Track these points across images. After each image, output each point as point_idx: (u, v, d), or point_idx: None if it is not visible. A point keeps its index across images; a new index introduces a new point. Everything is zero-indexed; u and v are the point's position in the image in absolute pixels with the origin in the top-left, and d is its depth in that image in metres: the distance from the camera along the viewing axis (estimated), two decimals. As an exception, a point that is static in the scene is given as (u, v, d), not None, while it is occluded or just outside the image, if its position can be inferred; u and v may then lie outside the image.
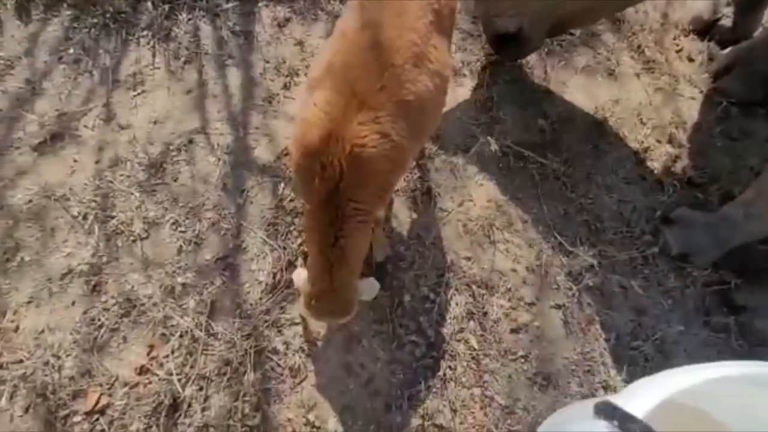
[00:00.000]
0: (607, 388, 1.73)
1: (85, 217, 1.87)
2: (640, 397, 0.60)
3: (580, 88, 2.28)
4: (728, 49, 2.25)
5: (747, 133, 2.17)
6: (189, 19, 2.32)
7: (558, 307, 1.84)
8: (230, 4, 2.37)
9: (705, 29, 2.36)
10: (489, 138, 2.10)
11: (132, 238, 1.85)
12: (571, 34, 2.38)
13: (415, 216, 1.97)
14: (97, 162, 1.99)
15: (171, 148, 2.03)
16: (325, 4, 2.39)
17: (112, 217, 1.88)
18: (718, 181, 2.04)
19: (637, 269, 1.90)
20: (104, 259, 1.81)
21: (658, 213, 1.98)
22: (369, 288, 1.40)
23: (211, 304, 1.75)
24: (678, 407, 0.63)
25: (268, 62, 2.25)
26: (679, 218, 1.91)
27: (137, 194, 1.92)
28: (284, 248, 1.85)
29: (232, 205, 1.94)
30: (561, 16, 1.91)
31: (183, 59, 2.23)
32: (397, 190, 1.99)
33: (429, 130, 1.34)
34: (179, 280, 1.78)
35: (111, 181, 1.94)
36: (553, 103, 2.23)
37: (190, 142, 2.06)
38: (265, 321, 1.73)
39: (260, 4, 2.37)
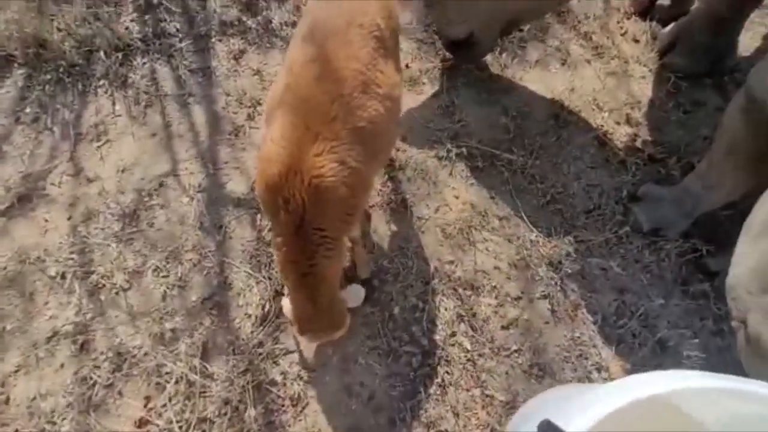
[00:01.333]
0: (600, 369, 1.78)
1: (63, 277, 1.85)
2: (591, 410, 0.60)
3: (536, 81, 2.35)
4: (669, 26, 2.35)
5: (698, 104, 2.27)
6: (144, 63, 2.32)
7: (544, 297, 1.89)
8: (184, 43, 2.38)
9: (645, 10, 2.47)
10: (455, 141, 2.16)
11: (114, 290, 1.84)
12: (521, 30, 2.45)
13: (394, 228, 2.00)
14: (69, 218, 1.97)
15: (143, 194, 2.03)
16: (278, 31, 2.42)
17: (92, 272, 1.86)
18: (677, 154, 2.13)
19: (613, 250, 1.97)
20: (89, 315, 1.79)
21: (624, 192, 2.05)
22: (354, 295, 1.45)
23: (202, 345, 1.74)
24: (654, 405, 0.65)
25: (229, 95, 2.27)
26: (645, 195, 1.98)
27: (114, 245, 1.91)
28: (269, 278, 1.86)
29: (211, 242, 1.94)
30: (508, 17, 1.98)
31: (144, 103, 2.23)
32: (373, 205, 2.02)
33: (386, 150, 1.38)
34: (167, 325, 1.77)
35: (86, 236, 1.93)
36: (512, 99, 2.30)
37: (162, 185, 2.05)
38: (260, 354, 1.73)
39: (214, 40, 2.38)
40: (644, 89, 2.33)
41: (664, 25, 2.41)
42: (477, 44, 2.06)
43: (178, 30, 2.41)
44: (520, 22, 2.13)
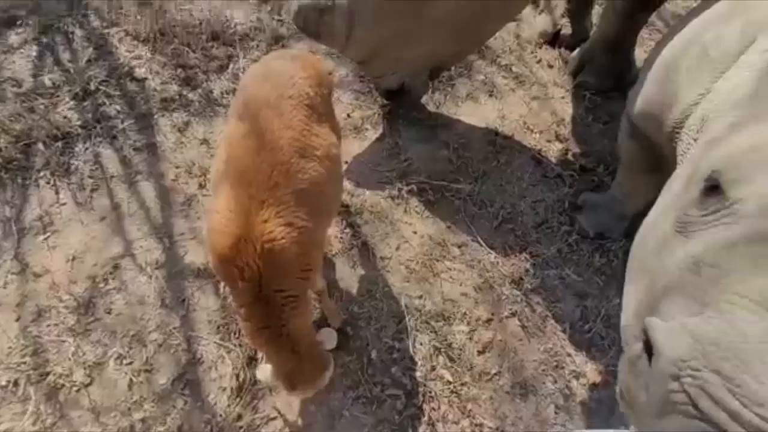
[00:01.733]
0: (578, 376, 1.83)
1: (16, 384, 1.72)
2: None
3: (469, 114, 2.53)
4: (575, 52, 2.63)
5: (613, 115, 2.52)
6: (87, 149, 2.31)
7: (512, 315, 1.95)
8: (126, 123, 2.40)
9: (552, 40, 2.76)
10: (405, 179, 2.26)
11: (75, 388, 1.73)
12: (449, 70, 2.66)
13: (359, 272, 2.03)
14: (18, 320, 1.86)
15: (97, 280, 1.96)
16: (220, 100, 2.50)
17: (48, 374, 1.75)
18: (604, 162, 2.33)
19: (566, 258, 2.09)
20: (48, 421, 1.67)
21: (566, 204, 2.20)
22: (328, 338, 1.46)
23: (177, 430, 1.66)
24: None
25: (178, 167, 2.28)
26: (584, 203, 2.14)
27: (71, 340, 1.81)
28: (240, 345, 1.82)
29: (176, 318, 1.89)
30: (432, 64, 2.16)
31: (89, 188, 2.20)
32: (335, 253, 2.06)
33: (332, 205, 1.45)
34: (137, 416, 1.68)
35: (38, 336, 1.82)
36: (451, 133, 2.45)
37: (116, 268, 2.00)
38: (240, 428, 1.66)
39: (156, 116, 2.42)
40: (566, 108, 2.57)
41: (571, 50, 2.70)
42: (410, 90, 2.22)
43: (118, 112, 2.43)
44: (445, 66, 2.33)
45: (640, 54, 2.63)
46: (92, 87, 2.47)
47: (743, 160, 0.93)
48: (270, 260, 1.09)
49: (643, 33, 2.60)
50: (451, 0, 1.76)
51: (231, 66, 2.59)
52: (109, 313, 1.89)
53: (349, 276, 2.01)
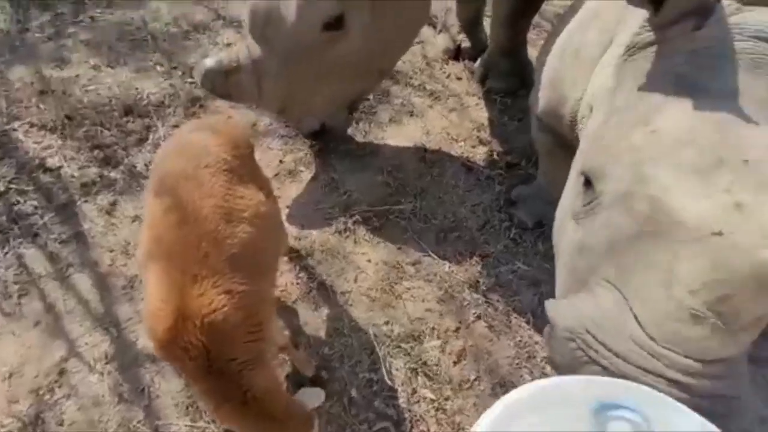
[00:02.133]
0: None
1: None
2: None
3: (395, 136, 2.64)
4: (478, 61, 2.84)
5: (525, 112, 2.71)
6: (7, 253, 2.15)
7: (478, 318, 2.01)
8: (47, 218, 2.26)
9: (456, 55, 2.97)
10: (348, 212, 2.30)
11: None
12: (368, 99, 2.78)
13: (323, 313, 2.01)
14: (-46, 461, 1.66)
15: (42, 393, 1.80)
16: (145, 173, 2.43)
17: None
18: (527, 155, 2.50)
19: (514, 252, 2.19)
20: None
21: (502, 201, 2.33)
22: (313, 397, 1.42)
23: None
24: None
25: (112, 251, 2.18)
26: (517, 197, 2.27)
27: (21, 467, 1.64)
28: (213, 421, 1.73)
29: (138, 411, 1.77)
30: (347, 101, 2.24)
31: (16, 295, 2.04)
32: (296, 300, 2.03)
33: (272, 260, 1.43)
34: None
35: (-19, 472, 1.63)
36: (382, 158, 2.54)
37: (62, 373, 1.85)
38: None
39: (79, 203, 2.31)
40: (482, 113, 2.74)
41: (474, 61, 2.91)
42: (332, 128, 2.29)
43: (36, 207, 2.30)
44: (359, 100, 2.42)
45: (533, 53, 2.89)
46: (1, 187, 2.33)
47: (604, 154, 1.06)
48: (214, 333, 1.06)
49: (531, 35, 2.86)
50: (349, 42, 1.85)
51: (151, 137, 2.54)
52: (61, 425, 1.74)
53: (313, 319, 1.99)
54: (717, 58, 0.98)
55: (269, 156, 2.54)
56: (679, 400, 0.87)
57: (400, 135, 2.65)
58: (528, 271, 2.13)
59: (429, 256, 2.17)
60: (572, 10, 1.68)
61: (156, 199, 1.20)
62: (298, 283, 2.07)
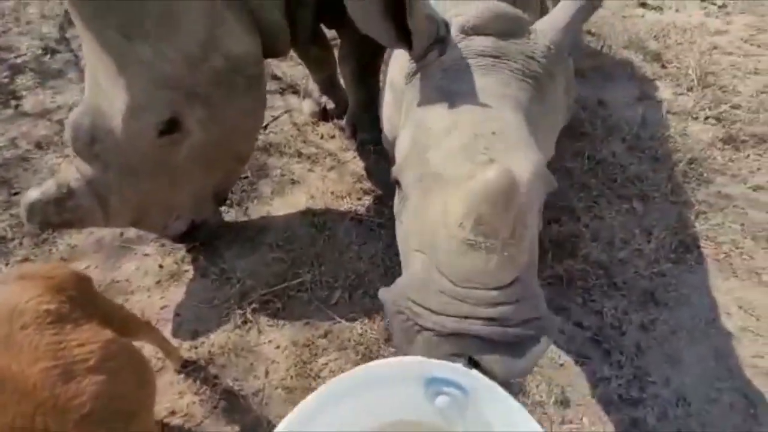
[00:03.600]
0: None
1: None
2: None
3: (282, 207, 2.59)
4: (345, 118, 2.96)
5: (399, 154, 2.86)
6: None
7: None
8: None
9: (323, 116, 3.06)
10: (245, 301, 2.15)
11: None
12: (246, 177, 2.71)
13: (238, 422, 1.80)
14: None
15: None
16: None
17: None
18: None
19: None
20: None
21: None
22: None
23: None
24: None
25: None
26: None
27: None
28: None
29: None
30: (210, 194, 2.13)
31: None
32: (201, 421, 1.80)
33: (143, 396, 1.23)
34: None
35: None
36: (272, 234, 2.45)
37: None
38: None
39: None
40: (360, 165, 2.82)
41: (341, 117, 3.02)
42: (203, 223, 2.16)
43: None
44: (226, 188, 2.27)
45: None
46: None
47: (401, 157, 1.39)
48: None
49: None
50: (192, 138, 1.79)
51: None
52: None
53: (227, 434, 1.77)
54: (460, 71, 1.35)
55: (147, 263, 2.32)
56: (498, 337, 1.07)
57: (285, 205, 2.60)
58: (437, 307, 2.14)
59: (339, 322, 2.09)
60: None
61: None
62: (201, 400, 1.85)
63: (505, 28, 1.36)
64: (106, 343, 1.13)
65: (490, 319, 1.08)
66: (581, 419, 1.81)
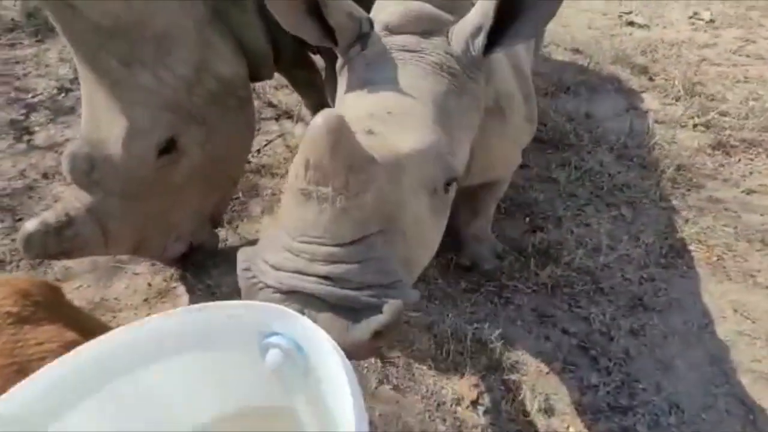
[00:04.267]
0: (458, 401, 1.83)
1: None
2: None
3: (269, 227, 2.65)
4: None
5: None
6: None
7: (380, 382, 1.91)
8: None
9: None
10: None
11: None
12: (237, 198, 2.80)
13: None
14: None
15: None
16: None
17: None
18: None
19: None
20: None
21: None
22: None
23: None
24: None
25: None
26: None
27: None
28: None
29: None
30: (208, 214, 2.20)
31: None
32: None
33: None
34: None
35: None
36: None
37: None
38: None
39: None
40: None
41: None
42: (201, 245, 2.23)
43: None
44: (221, 210, 2.38)
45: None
46: None
47: None
48: None
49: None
50: (191, 158, 1.87)
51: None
52: None
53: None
54: (381, 63, 1.44)
55: (137, 282, 2.38)
56: (328, 296, 1.01)
57: (274, 225, 2.66)
58: (418, 317, 2.12)
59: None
60: None
61: None
62: None
63: (427, 28, 1.45)
64: (68, 344, 1.15)
65: (325, 278, 1.04)
66: (567, 428, 1.73)
